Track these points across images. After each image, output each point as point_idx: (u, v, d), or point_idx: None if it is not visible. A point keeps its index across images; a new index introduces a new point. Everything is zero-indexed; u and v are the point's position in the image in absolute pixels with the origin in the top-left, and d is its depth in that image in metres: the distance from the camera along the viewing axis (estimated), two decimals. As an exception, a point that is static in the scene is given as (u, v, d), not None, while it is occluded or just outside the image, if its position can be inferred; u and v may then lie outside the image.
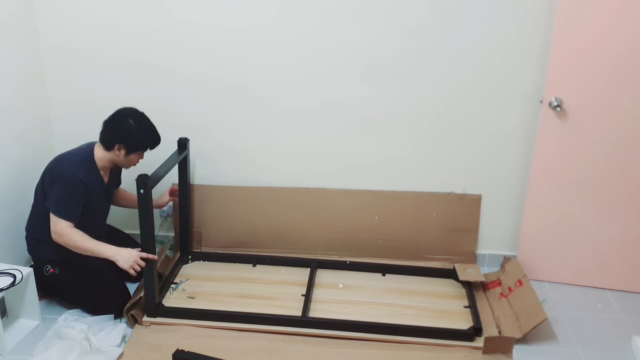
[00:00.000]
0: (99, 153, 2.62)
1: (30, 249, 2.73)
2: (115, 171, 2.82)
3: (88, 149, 2.63)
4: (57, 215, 2.51)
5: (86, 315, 2.70)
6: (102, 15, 2.90)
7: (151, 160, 2.94)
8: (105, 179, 2.70)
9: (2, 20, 2.69)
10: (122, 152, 2.57)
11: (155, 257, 2.59)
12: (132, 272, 2.52)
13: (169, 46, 2.94)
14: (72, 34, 2.95)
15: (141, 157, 2.67)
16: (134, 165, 2.69)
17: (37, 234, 2.66)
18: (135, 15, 2.90)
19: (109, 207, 2.87)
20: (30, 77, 2.94)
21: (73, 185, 2.52)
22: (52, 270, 2.65)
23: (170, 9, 2.88)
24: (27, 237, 2.72)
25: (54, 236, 2.53)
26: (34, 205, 2.70)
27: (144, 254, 2.53)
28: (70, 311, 2.71)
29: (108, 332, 2.57)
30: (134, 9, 2.89)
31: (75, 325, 2.56)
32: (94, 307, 2.70)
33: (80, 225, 2.57)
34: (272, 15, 2.88)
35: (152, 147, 2.66)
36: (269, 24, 2.90)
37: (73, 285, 2.69)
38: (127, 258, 2.52)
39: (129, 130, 2.56)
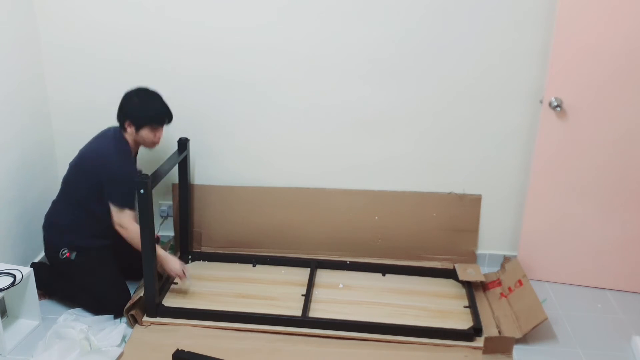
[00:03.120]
0: (127, 134, 2.69)
1: (48, 236, 2.77)
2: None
3: (116, 136, 2.69)
4: (124, 207, 2.62)
5: (86, 314, 2.71)
6: (102, 15, 2.90)
7: (151, 161, 2.94)
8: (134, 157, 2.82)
9: (2, 20, 2.69)
10: (132, 128, 2.64)
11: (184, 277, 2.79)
12: (177, 278, 2.80)
13: (169, 46, 2.94)
14: (72, 33, 2.95)
15: (155, 134, 2.67)
16: (153, 143, 2.71)
17: (62, 221, 2.73)
18: (135, 15, 2.90)
19: None
20: (29, 76, 2.93)
21: (132, 174, 2.61)
22: (67, 254, 2.69)
23: (169, 9, 2.88)
24: (46, 225, 2.78)
25: (118, 228, 2.64)
26: (61, 194, 2.78)
27: (185, 269, 2.78)
28: (70, 311, 2.72)
29: (108, 332, 2.57)
30: (133, 9, 2.88)
31: (75, 325, 2.56)
32: (96, 304, 2.72)
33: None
34: (272, 16, 2.88)
35: (157, 121, 2.67)
36: (268, 24, 2.90)
37: (83, 275, 2.72)
38: (178, 265, 2.75)
39: (132, 105, 2.64)
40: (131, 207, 2.62)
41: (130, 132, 2.65)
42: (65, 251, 2.70)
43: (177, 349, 2.38)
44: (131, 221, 2.62)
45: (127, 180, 2.55)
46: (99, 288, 2.72)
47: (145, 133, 2.64)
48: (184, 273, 2.75)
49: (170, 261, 2.73)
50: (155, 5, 2.88)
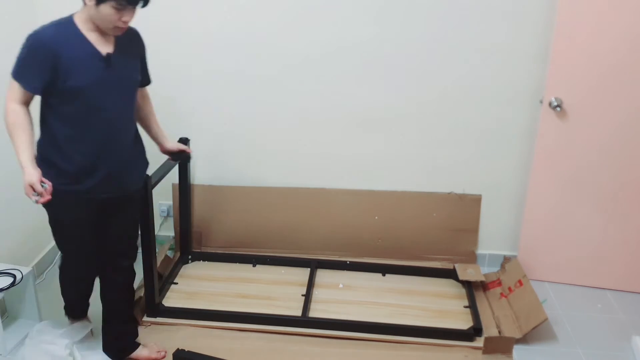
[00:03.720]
0: (80, 13, 2.00)
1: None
2: (132, 50, 2.16)
3: (61, 20, 2.02)
4: (12, 77, 1.97)
5: (60, 324, 2.51)
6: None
7: (151, 160, 2.94)
8: (104, 49, 2.01)
9: (1, 21, 2.69)
10: (92, 1, 1.90)
11: (46, 199, 1.98)
12: (31, 199, 1.97)
13: (169, 46, 2.94)
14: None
15: (123, 15, 1.95)
16: (116, 28, 1.98)
17: (37, 145, 2.09)
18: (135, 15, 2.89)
19: (128, 97, 2.15)
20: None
21: (32, 45, 1.93)
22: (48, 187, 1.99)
23: (170, 7, 2.87)
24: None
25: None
26: None
27: (39, 187, 1.95)
28: (42, 323, 2.52)
29: (93, 347, 2.46)
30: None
31: (57, 341, 2.40)
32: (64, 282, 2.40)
33: (80, 124, 2.01)
34: (272, 15, 2.88)
35: None
36: (269, 24, 2.90)
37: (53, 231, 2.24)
38: (24, 183, 1.97)
39: None
40: (18, 79, 1.95)
41: (89, 7, 1.92)
42: (45, 185, 1.99)
43: (177, 349, 2.38)
44: (8, 96, 1.97)
45: (32, 47, 1.93)
46: (66, 273, 2.37)
47: (106, 10, 1.90)
48: (33, 193, 1.97)
49: (25, 175, 1.98)
50: (154, 3, 2.88)
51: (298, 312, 2.70)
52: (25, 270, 2.55)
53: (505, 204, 3.14)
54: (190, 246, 3.20)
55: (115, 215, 2.24)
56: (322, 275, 3.06)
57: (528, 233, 3.04)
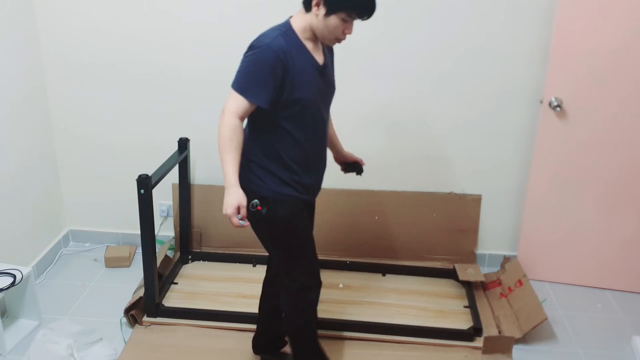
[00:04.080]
0: (298, 20, 1.96)
1: (243, 175, 1.99)
2: (331, 59, 2.15)
3: (284, 21, 2.00)
4: (232, 88, 1.91)
5: (68, 327, 2.51)
6: (102, 17, 2.90)
7: (152, 161, 2.94)
8: (319, 59, 2.00)
9: (2, 22, 2.69)
10: (322, 11, 1.87)
11: (247, 224, 1.93)
12: (232, 220, 1.89)
13: (169, 46, 2.94)
14: (72, 34, 2.95)
15: (347, 27, 1.91)
16: (335, 39, 1.95)
17: (247, 157, 2.01)
18: (135, 15, 2.90)
19: (330, 104, 2.18)
20: (30, 77, 2.93)
21: (263, 57, 1.87)
22: (259, 207, 2.00)
23: (169, 9, 2.88)
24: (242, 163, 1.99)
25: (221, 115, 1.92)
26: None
27: (244, 212, 1.89)
28: (49, 325, 2.53)
29: (95, 347, 2.46)
30: (133, 11, 2.89)
31: (60, 340, 2.42)
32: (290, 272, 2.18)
33: (298, 133, 1.97)
34: (272, 15, 2.88)
35: (360, 10, 1.88)
36: (268, 23, 2.89)
37: (271, 239, 2.13)
38: (229, 202, 1.88)
39: None
40: (244, 93, 1.88)
41: (314, 15, 1.89)
42: (257, 203, 1.98)
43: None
44: (229, 108, 1.89)
45: (261, 57, 1.87)
46: (290, 263, 2.16)
47: (335, 22, 1.87)
48: (237, 215, 1.89)
49: (228, 194, 1.90)
50: (155, 5, 2.88)
51: (298, 312, 2.70)
52: (25, 270, 2.55)
53: (505, 204, 3.14)
54: (190, 246, 3.20)
55: (311, 218, 2.28)
56: (322, 275, 3.04)
57: (528, 233, 3.04)
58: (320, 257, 3.14)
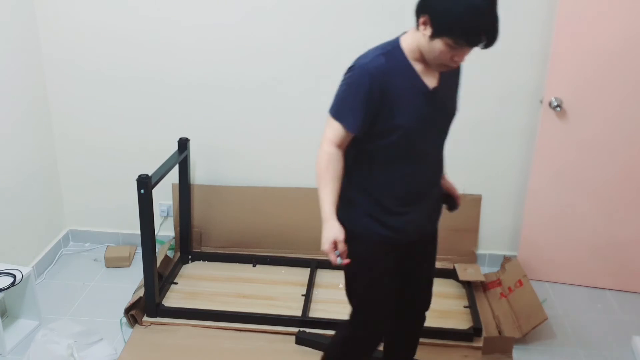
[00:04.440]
0: (408, 38, 1.75)
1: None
2: (452, 81, 1.94)
3: (393, 39, 1.80)
4: (329, 113, 1.78)
5: (67, 328, 2.51)
6: (103, 22, 2.90)
7: (152, 160, 2.94)
8: (430, 82, 1.77)
9: (2, 24, 2.69)
10: (428, 31, 1.65)
11: (346, 262, 1.77)
12: (330, 258, 1.75)
13: (169, 47, 2.94)
14: (72, 37, 2.95)
15: (456, 54, 1.68)
16: (444, 65, 1.72)
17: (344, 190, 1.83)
18: (135, 20, 2.90)
19: (445, 133, 1.92)
20: (30, 77, 2.93)
21: (358, 79, 1.73)
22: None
23: (169, 12, 2.88)
24: None
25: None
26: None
27: (342, 247, 1.75)
28: (49, 326, 2.53)
29: (95, 347, 2.46)
30: (134, 16, 2.89)
31: (60, 340, 2.43)
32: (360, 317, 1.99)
33: (392, 165, 1.79)
34: (271, 15, 2.88)
35: (470, 39, 1.65)
36: (267, 24, 2.90)
37: (350, 274, 1.95)
38: (325, 237, 1.76)
39: None
40: (339, 119, 1.74)
41: (421, 34, 1.67)
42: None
43: (299, 330, 2.37)
44: (326, 135, 1.76)
45: (355, 78, 1.74)
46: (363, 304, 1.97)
47: (439, 46, 1.63)
48: (334, 251, 1.75)
49: (324, 229, 1.77)
50: (156, 10, 2.88)
51: (298, 312, 2.70)
52: (25, 270, 2.55)
53: (505, 204, 3.13)
54: (190, 246, 3.20)
55: (418, 259, 2.03)
56: (322, 275, 3.06)
57: (528, 233, 3.04)
58: (320, 257, 3.17)
